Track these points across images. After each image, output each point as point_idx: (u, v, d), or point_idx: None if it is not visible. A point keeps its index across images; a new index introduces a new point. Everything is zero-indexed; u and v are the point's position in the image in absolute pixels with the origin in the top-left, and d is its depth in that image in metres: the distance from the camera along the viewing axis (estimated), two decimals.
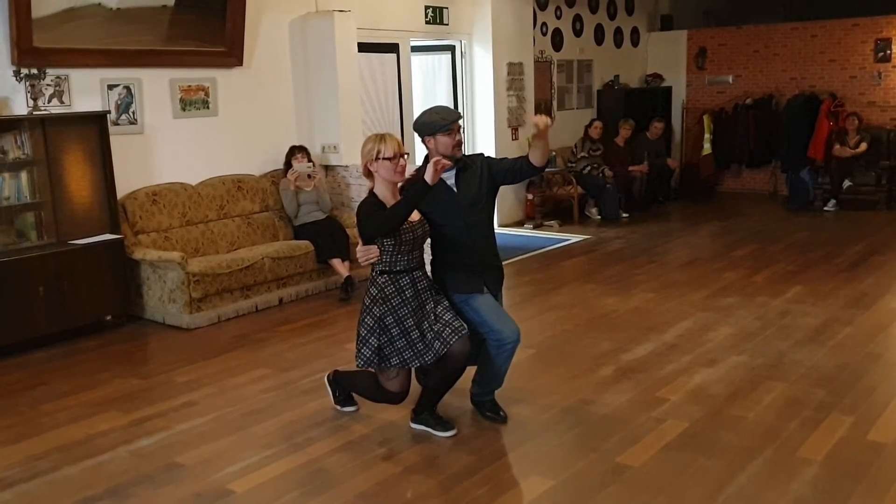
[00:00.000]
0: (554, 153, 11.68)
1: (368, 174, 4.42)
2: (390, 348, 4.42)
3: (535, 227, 11.06)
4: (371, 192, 4.43)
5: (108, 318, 6.91)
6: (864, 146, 11.72)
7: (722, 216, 11.66)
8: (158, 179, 7.57)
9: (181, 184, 7.68)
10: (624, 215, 11.53)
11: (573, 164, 11.63)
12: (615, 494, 3.92)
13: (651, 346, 6.01)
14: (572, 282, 8.15)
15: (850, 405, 4.83)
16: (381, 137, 4.37)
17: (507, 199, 11.15)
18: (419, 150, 4.67)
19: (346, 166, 8.69)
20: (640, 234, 10.47)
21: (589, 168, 11.51)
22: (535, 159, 4.49)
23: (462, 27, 10.74)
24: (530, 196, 11.49)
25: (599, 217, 11.55)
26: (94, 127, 6.77)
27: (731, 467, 4.11)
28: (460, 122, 4.55)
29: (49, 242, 6.59)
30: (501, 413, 4.80)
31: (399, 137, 9.30)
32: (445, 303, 4.51)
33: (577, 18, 12.87)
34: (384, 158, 4.32)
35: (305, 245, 7.77)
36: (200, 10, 7.64)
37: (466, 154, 4.66)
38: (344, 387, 4.98)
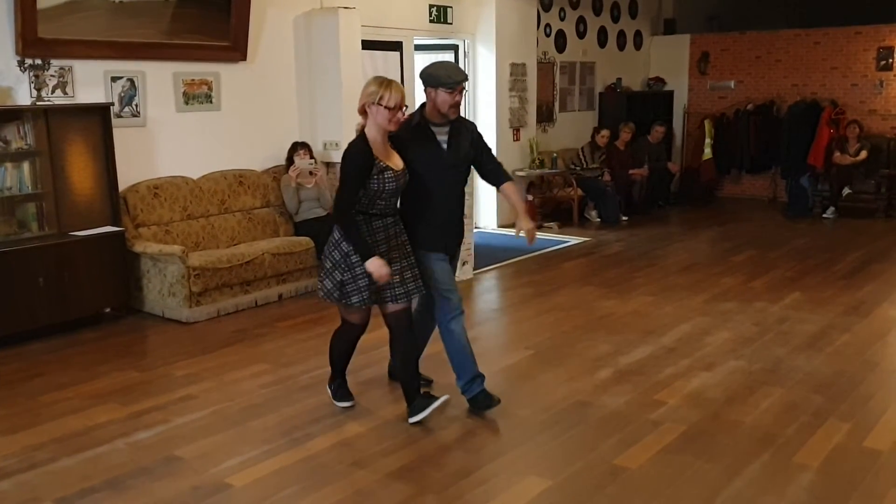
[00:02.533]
0: (555, 154, 11.72)
1: (364, 113, 4.43)
2: (353, 286, 4.49)
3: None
4: (362, 133, 4.45)
5: (108, 310, 6.91)
6: (864, 154, 11.74)
7: (721, 221, 11.68)
8: (160, 173, 7.57)
9: (183, 177, 7.69)
10: (623, 218, 11.54)
11: (577, 168, 11.63)
12: (612, 496, 3.93)
13: (649, 350, 6.03)
14: (571, 284, 8.16)
15: (848, 412, 4.85)
16: (388, 84, 4.37)
17: (504, 199, 11.14)
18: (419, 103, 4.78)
19: None
20: (640, 237, 10.49)
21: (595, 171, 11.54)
22: (503, 191, 4.92)
23: (466, 27, 10.75)
24: (530, 197, 11.48)
25: (599, 220, 11.56)
26: (97, 119, 6.77)
27: (728, 471, 4.12)
28: (465, 84, 4.61)
29: (50, 233, 6.59)
30: (494, 398, 4.84)
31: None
32: (413, 258, 4.63)
33: (581, 20, 12.88)
34: (385, 106, 4.33)
35: (306, 241, 7.78)
36: (205, 4, 7.65)
37: (461, 117, 4.79)
38: (332, 365, 5.04)
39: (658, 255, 9.47)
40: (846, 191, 11.84)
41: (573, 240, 10.31)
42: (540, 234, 10.66)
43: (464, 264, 8.01)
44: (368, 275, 4.43)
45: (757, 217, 12.13)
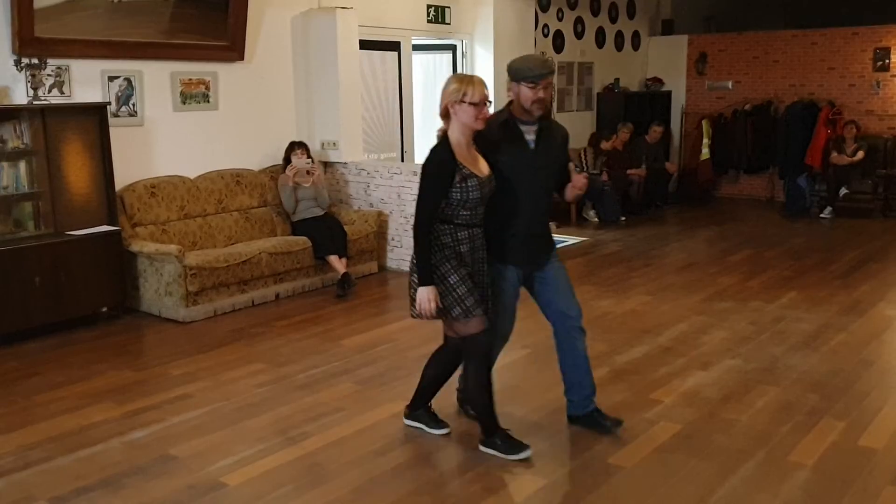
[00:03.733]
0: None
1: (445, 116, 4.12)
2: (450, 297, 4.12)
3: None
4: (444, 138, 4.13)
5: (104, 309, 6.90)
6: (861, 154, 11.75)
7: (719, 221, 11.68)
8: (157, 172, 7.57)
9: (180, 177, 7.69)
10: (622, 218, 11.55)
11: (576, 170, 11.61)
12: (606, 495, 3.93)
13: (645, 349, 6.03)
14: None
15: (843, 410, 4.85)
16: (470, 80, 4.08)
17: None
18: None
19: (346, 163, 8.70)
20: (637, 237, 10.49)
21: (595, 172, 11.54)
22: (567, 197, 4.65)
23: (464, 27, 10.75)
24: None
25: (597, 220, 11.57)
26: (94, 118, 6.77)
27: (723, 470, 4.13)
28: (550, 78, 4.25)
29: (46, 233, 6.59)
30: (615, 419, 4.62)
31: (399, 134, 9.32)
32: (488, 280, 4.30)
33: (579, 21, 12.89)
34: (469, 103, 4.02)
35: (303, 241, 7.77)
36: (203, 3, 7.65)
37: (552, 119, 4.48)
38: (425, 391, 4.62)
39: (655, 254, 9.47)
40: (843, 191, 11.85)
41: (571, 239, 10.31)
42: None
43: None
44: (464, 282, 4.11)
45: (754, 217, 12.14)
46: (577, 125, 12.41)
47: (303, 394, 5.23)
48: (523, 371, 5.62)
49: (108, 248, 6.78)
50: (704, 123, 13.30)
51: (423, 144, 10.43)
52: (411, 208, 8.29)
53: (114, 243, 6.83)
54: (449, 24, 10.52)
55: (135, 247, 7.00)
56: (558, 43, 12.53)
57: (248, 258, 7.26)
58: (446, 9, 10.44)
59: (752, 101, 13.35)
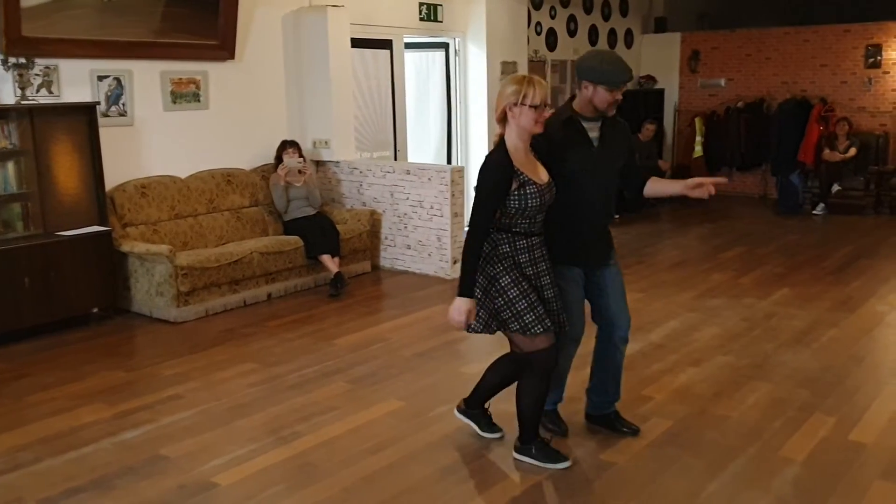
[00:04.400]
0: None
1: (502, 119, 3.90)
2: (509, 311, 3.94)
3: None
4: (501, 143, 3.93)
5: (95, 310, 6.87)
6: (853, 151, 11.77)
7: (711, 218, 11.68)
8: (148, 172, 7.55)
9: (170, 177, 7.66)
10: (615, 216, 11.53)
11: None
12: (599, 491, 3.93)
13: (638, 346, 6.02)
14: None
15: (833, 406, 4.86)
16: (530, 81, 3.84)
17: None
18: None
19: (338, 162, 8.69)
20: (630, 234, 10.48)
21: None
22: (648, 191, 4.41)
23: (456, 25, 10.74)
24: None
25: None
26: (84, 118, 6.74)
27: (714, 466, 4.13)
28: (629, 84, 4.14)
29: (36, 233, 6.56)
30: (563, 425, 4.56)
31: (392, 132, 9.28)
32: (557, 289, 4.10)
33: (572, 19, 12.88)
34: (530, 106, 3.80)
35: (295, 240, 7.76)
36: (193, 2, 7.62)
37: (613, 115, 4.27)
38: (484, 392, 4.50)
39: (648, 252, 9.48)
40: (836, 187, 11.87)
41: None
42: None
43: (454, 262, 8.00)
44: (526, 296, 3.93)
45: (747, 214, 12.15)
46: None
47: (295, 393, 5.22)
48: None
49: (98, 248, 6.76)
50: (697, 121, 13.32)
51: (415, 143, 10.42)
52: (404, 207, 8.33)
53: (104, 244, 6.80)
54: (441, 21, 10.50)
55: (125, 247, 6.97)
56: (551, 41, 12.52)
57: (239, 258, 7.24)
58: (438, 6, 10.42)
59: (745, 98, 13.37)
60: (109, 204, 7.05)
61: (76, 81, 6.99)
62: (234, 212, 8.02)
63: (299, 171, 8.06)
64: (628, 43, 14.23)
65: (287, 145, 8.15)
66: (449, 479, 4.07)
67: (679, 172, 13.60)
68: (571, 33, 12.92)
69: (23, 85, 6.48)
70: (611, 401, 4.59)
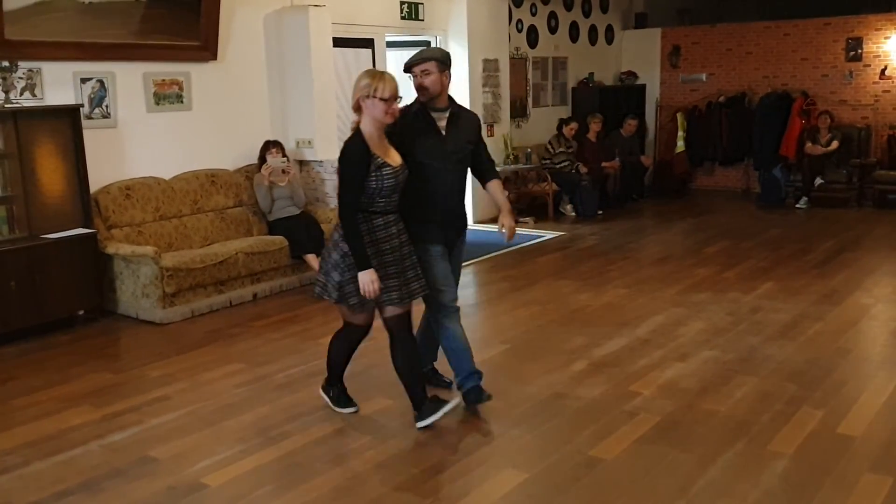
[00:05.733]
0: (529, 150, 11.75)
1: (358, 109, 4.30)
2: (351, 287, 4.36)
3: None
4: (357, 130, 4.32)
5: (81, 312, 6.84)
6: (835, 144, 11.86)
7: (695, 213, 11.75)
8: (132, 174, 7.52)
9: (154, 178, 7.63)
10: (599, 212, 11.57)
11: (548, 161, 11.63)
12: (588, 487, 3.94)
13: (624, 341, 6.05)
14: (546, 278, 8.17)
15: (821, 399, 4.89)
16: (381, 76, 4.29)
17: (482, 196, 11.14)
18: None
19: (321, 161, 8.67)
20: (614, 230, 10.52)
21: (566, 164, 11.54)
22: (487, 189, 4.94)
23: (437, 23, 10.75)
24: (505, 192, 11.48)
25: (574, 214, 11.59)
26: (67, 120, 6.71)
27: (703, 460, 4.15)
28: (427, 66, 4.56)
29: (21, 236, 6.52)
30: (485, 394, 4.81)
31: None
32: (415, 257, 4.51)
33: (553, 16, 12.92)
34: (380, 98, 4.22)
35: (280, 240, 7.75)
36: (174, 4, 7.60)
37: (462, 106, 4.83)
38: (330, 369, 4.90)
39: (632, 247, 9.51)
40: (818, 181, 11.95)
41: (549, 234, 10.33)
42: (517, 230, 10.75)
43: None
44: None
45: (730, 208, 12.22)
46: (553, 120, 12.41)
47: (282, 393, 5.22)
48: (503, 365, 5.62)
49: (83, 250, 6.73)
50: (679, 116, 13.38)
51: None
52: None
53: (89, 246, 6.77)
54: (422, 20, 10.51)
55: (110, 249, 6.94)
56: (532, 38, 12.55)
57: (224, 258, 7.22)
58: (419, 5, 10.43)
59: (726, 93, 13.44)
60: (94, 206, 7.03)
61: (59, 84, 6.96)
62: (219, 212, 8.00)
63: (283, 171, 8.04)
64: (609, 39, 14.28)
65: (270, 145, 8.13)
66: (439, 477, 4.07)
67: (662, 168, 13.67)
68: (552, 30, 12.96)
69: (6, 88, 6.43)
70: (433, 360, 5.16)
